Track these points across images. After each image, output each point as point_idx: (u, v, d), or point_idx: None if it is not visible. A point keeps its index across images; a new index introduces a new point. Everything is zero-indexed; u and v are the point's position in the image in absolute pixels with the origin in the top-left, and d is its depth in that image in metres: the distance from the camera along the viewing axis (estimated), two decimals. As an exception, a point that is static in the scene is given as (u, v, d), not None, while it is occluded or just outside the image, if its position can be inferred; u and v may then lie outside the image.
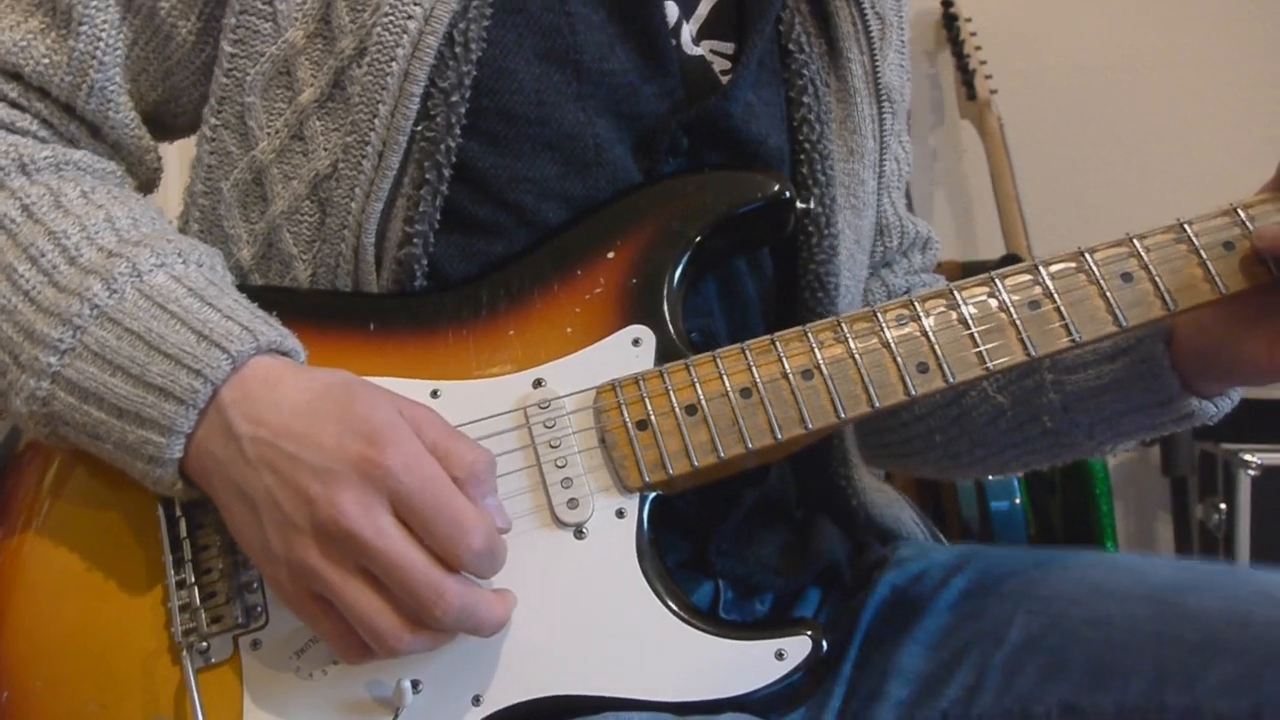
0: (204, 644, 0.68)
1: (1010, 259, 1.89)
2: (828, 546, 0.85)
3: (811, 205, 0.83)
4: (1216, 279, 0.74)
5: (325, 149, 0.75)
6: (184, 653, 0.67)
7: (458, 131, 0.74)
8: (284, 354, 0.68)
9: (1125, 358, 0.79)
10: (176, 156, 0.89)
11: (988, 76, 2.02)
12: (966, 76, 2.04)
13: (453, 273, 0.76)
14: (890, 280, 0.95)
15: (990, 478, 1.84)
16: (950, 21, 2.07)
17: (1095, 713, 0.73)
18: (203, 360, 0.65)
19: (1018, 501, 1.83)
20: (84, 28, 0.75)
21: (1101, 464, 1.86)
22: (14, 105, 0.77)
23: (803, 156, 0.84)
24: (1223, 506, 1.84)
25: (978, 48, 2.05)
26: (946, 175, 2.22)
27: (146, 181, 0.83)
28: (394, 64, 0.73)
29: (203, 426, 0.65)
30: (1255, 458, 1.82)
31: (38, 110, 0.77)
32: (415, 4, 0.73)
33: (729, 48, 0.83)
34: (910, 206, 2.04)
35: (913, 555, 0.87)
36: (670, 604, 0.69)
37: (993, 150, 1.98)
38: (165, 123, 0.83)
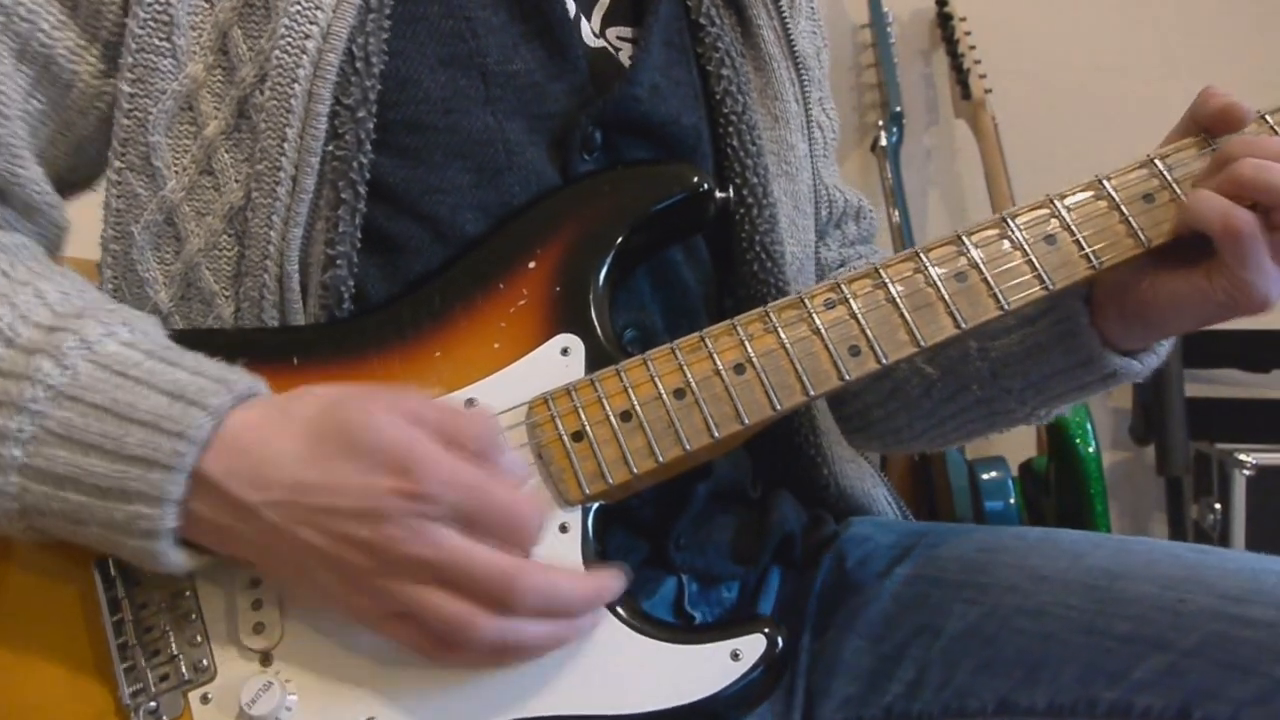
0: (153, 703, 0.66)
1: None
2: (783, 520, 0.85)
3: (730, 193, 0.83)
4: (1140, 233, 0.73)
5: (236, 180, 0.73)
6: (133, 715, 0.66)
7: (368, 147, 0.72)
8: (256, 400, 0.65)
9: (1045, 319, 0.79)
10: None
11: (982, 76, 2.02)
12: (961, 76, 2.03)
13: (377, 294, 0.75)
14: (823, 254, 0.94)
15: (973, 469, 1.85)
16: (945, 21, 2.07)
17: (1028, 708, 0.73)
18: (182, 421, 0.61)
19: (1012, 501, 1.84)
20: None
21: (1096, 463, 1.87)
22: None
23: (730, 130, 0.83)
24: (1218, 506, 1.85)
25: (972, 47, 2.05)
26: (941, 175, 2.23)
27: (54, 241, 0.80)
28: (296, 85, 0.71)
29: (196, 498, 0.62)
30: (1250, 458, 1.82)
31: None
32: (311, 23, 0.71)
33: (631, 32, 0.82)
34: (905, 205, 2.05)
35: (861, 536, 0.87)
36: (622, 614, 0.68)
37: (987, 150, 1.98)
38: (69, 179, 0.80)
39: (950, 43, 2.06)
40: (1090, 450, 1.86)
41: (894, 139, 2.05)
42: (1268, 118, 0.76)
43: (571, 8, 0.80)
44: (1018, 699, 0.73)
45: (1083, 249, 0.73)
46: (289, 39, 0.71)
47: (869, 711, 0.77)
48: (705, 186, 0.78)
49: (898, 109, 2.05)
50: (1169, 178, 0.74)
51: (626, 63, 0.81)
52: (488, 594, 0.61)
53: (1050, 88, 2.16)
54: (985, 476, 1.85)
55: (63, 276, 0.72)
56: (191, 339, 0.75)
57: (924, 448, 0.97)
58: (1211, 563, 0.74)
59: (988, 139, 1.98)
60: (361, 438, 0.61)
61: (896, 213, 1.99)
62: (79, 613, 0.68)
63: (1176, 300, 0.73)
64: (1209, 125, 0.74)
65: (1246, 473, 1.82)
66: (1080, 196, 0.74)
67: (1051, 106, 2.14)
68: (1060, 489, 1.92)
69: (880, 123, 2.05)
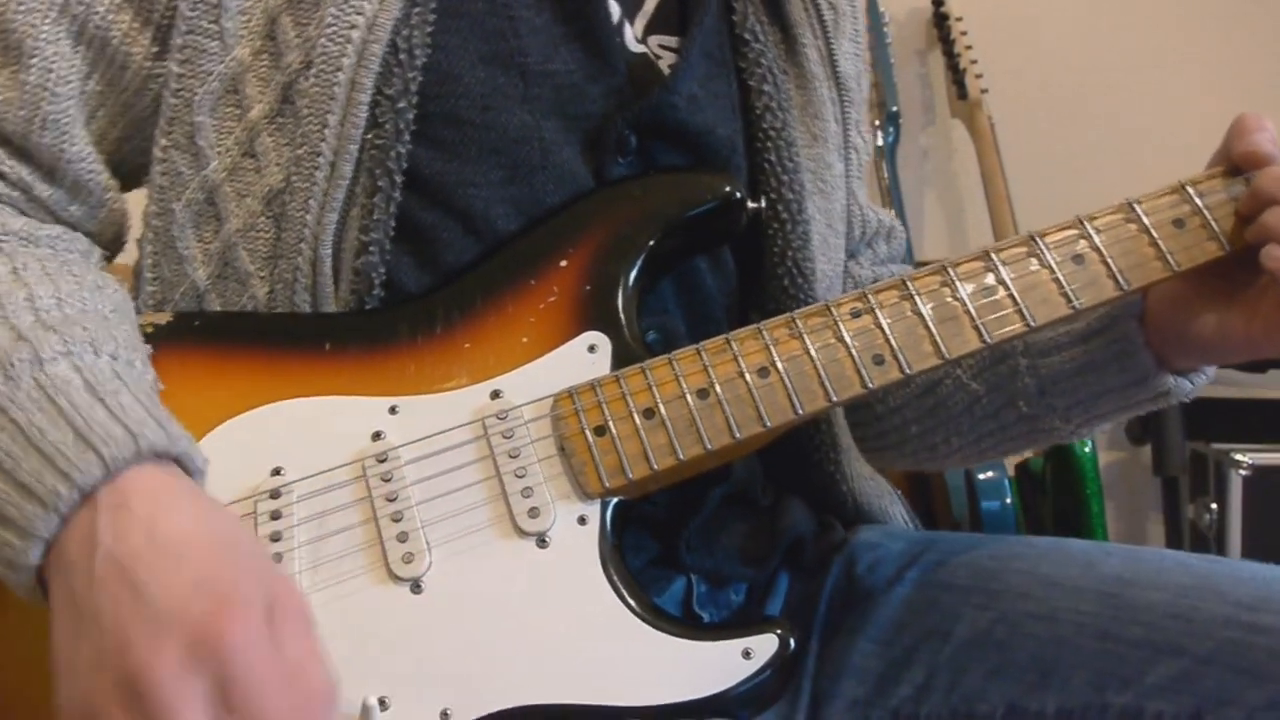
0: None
1: None
2: (794, 524, 0.85)
3: (763, 203, 0.84)
4: (1168, 256, 0.74)
5: (277, 164, 0.75)
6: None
7: (406, 138, 0.74)
8: (175, 458, 0.63)
9: (1099, 338, 0.79)
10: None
11: (979, 76, 2.03)
12: (957, 76, 2.04)
13: (408, 282, 0.76)
14: (856, 271, 0.95)
15: (970, 469, 1.84)
16: (941, 21, 2.08)
17: (1038, 713, 0.73)
18: (74, 463, 0.59)
19: (1008, 501, 1.83)
20: (34, 60, 0.74)
21: (1092, 463, 1.86)
22: None
23: (769, 144, 0.84)
24: (1214, 506, 1.84)
25: (968, 47, 2.05)
26: (937, 175, 2.23)
27: (111, 232, 0.81)
28: (340, 74, 0.73)
29: (70, 541, 0.59)
30: (1247, 458, 1.81)
31: None
32: (358, 13, 0.73)
33: (674, 41, 0.84)
34: (900, 205, 2.05)
35: (871, 541, 0.87)
36: (635, 608, 0.68)
37: (984, 150, 1.98)
38: (132, 163, 0.81)
39: (946, 42, 2.06)
40: (1086, 450, 1.85)
41: (890, 139, 2.05)
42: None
43: (615, 12, 0.81)
44: (1028, 703, 0.73)
45: (1110, 270, 0.73)
46: (335, 28, 0.73)
47: (875, 714, 0.77)
48: (738, 195, 0.79)
49: (894, 109, 2.05)
50: (1200, 204, 0.75)
51: (666, 71, 0.83)
52: None
53: (1047, 88, 2.15)
54: (981, 476, 1.83)
55: (72, 280, 0.71)
56: (229, 322, 0.78)
57: (955, 465, 0.97)
58: (1222, 571, 0.74)
59: (984, 139, 1.98)
60: (225, 571, 0.57)
61: (893, 213, 2.00)
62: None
63: (1229, 331, 0.74)
64: (1239, 163, 0.75)
65: (1243, 473, 1.81)
66: (1110, 218, 0.75)
67: (1048, 106, 2.14)
68: (1057, 489, 1.91)
69: (876, 123, 2.05)
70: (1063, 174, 2.11)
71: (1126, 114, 2.14)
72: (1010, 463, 1.95)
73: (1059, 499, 1.90)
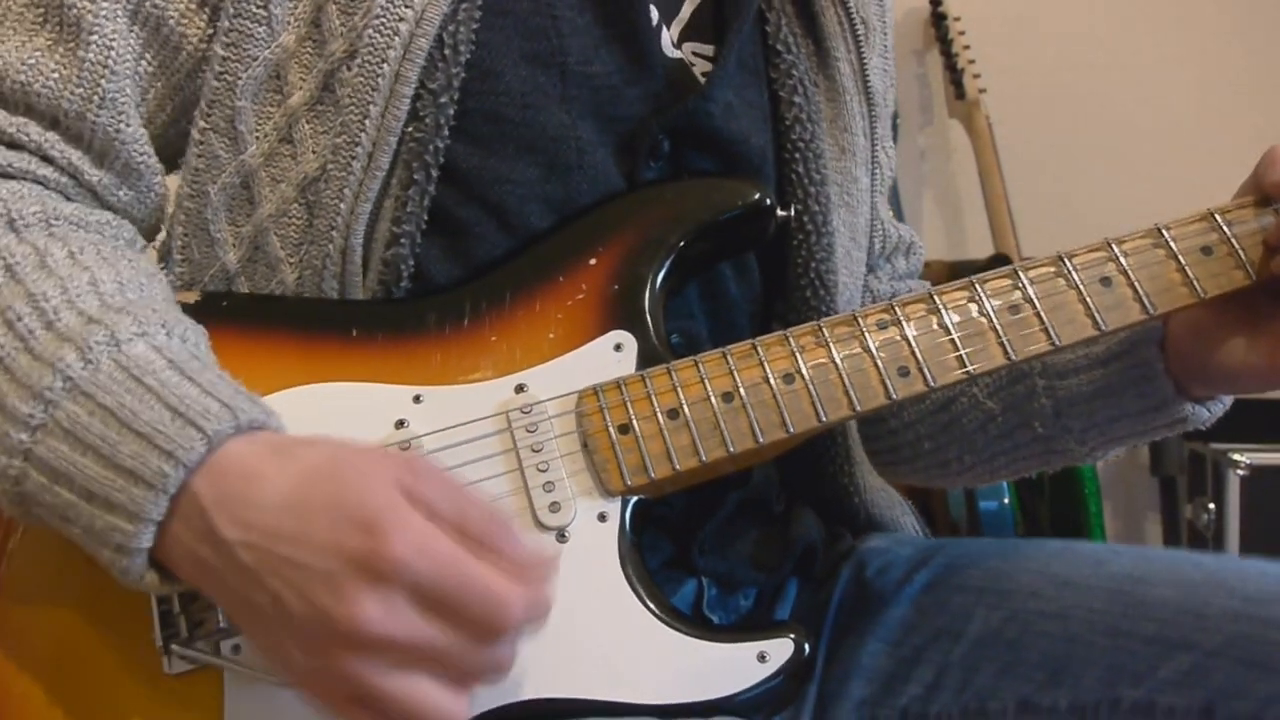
0: (185, 650, 0.67)
1: (999, 259, 1.89)
2: (805, 532, 0.86)
3: (792, 212, 0.84)
4: (1195, 283, 0.74)
5: (314, 151, 0.75)
6: (164, 658, 0.67)
7: (445, 133, 0.74)
8: (264, 432, 0.63)
9: (1118, 362, 0.80)
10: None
11: (976, 76, 2.03)
12: (955, 76, 2.04)
13: (437, 275, 0.77)
14: (874, 286, 0.96)
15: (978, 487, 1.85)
16: (939, 21, 2.07)
17: (1051, 709, 0.74)
18: (175, 440, 0.59)
19: (1006, 502, 1.83)
20: (94, 37, 0.74)
21: (1090, 464, 1.87)
22: (11, 145, 0.74)
23: (797, 156, 0.85)
24: (1212, 506, 1.85)
25: (966, 47, 2.05)
26: (935, 175, 2.23)
27: (154, 218, 0.81)
28: (385, 65, 0.73)
29: (178, 521, 0.60)
30: (1244, 457, 1.82)
31: (37, 145, 0.74)
32: (407, 6, 0.73)
33: (709, 49, 0.84)
34: (898, 205, 2.05)
35: (880, 547, 0.87)
36: (652, 606, 0.69)
37: (981, 150, 1.98)
38: (175, 147, 0.81)
39: (944, 42, 2.06)
40: None
41: None
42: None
43: (654, 16, 0.82)
44: (1039, 700, 0.73)
45: (1137, 293, 0.74)
46: (383, 19, 0.73)
47: (883, 713, 0.78)
48: (768, 202, 0.80)
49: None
50: (1228, 233, 0.75)
51: (700, 78, 0.83)
52: (455, 677, 0.58)
53: (1044, 88, 2.15)
54: (979, 485, 1.84)
55: (129, 265, 0.71)
56: (256, 305, 0.78)
57: (967, 483, 0.98)
58: (1231, 567, 0.75)
59: (982, 139, 1.98)
60: (347, 495, 0.58)
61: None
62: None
63: (1250, 363, 0.75)
64: (1271, 194, 0.75)
65: (1241, 473, 1.81)
66: (1138, 243, 0.75)
67: (1046, 106, 2.14)
68: (1055, 489, 1.91)
69: None
70: (1060, 174, 2.12)
71: (1124, 114, 2.14)
72: (1008, 463, 1.96)
73: (1057, 499, 1.90)
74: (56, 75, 0.74)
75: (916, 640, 0.79)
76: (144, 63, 0.77)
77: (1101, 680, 0.72)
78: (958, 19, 2.07)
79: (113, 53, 0.74)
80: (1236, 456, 1.82)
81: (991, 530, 1.80)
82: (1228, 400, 0.82)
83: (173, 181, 0.83)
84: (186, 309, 0.75)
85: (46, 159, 0.75)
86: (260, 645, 0.62)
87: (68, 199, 0.76)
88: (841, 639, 0.83)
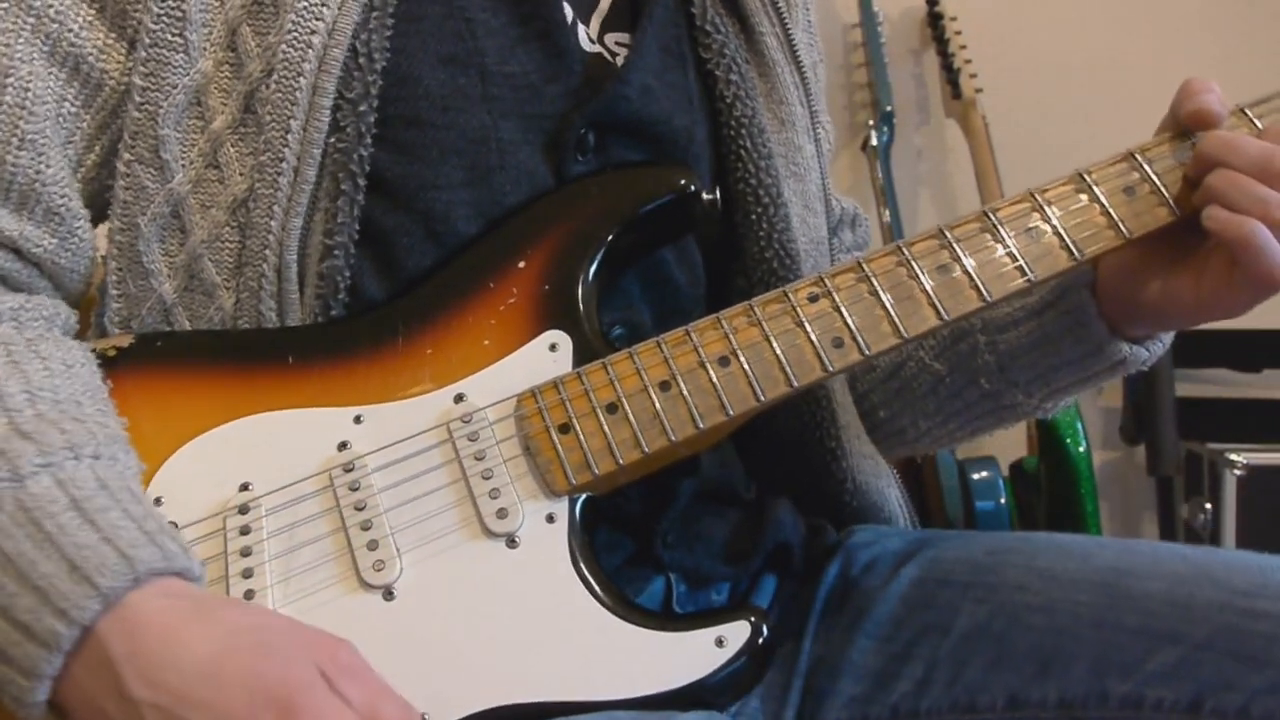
0: None
1: None
2: (779, 530, 0.85)
3: (717, 194, 0.84)
4: (1120, 224, 0.74)
5: (241, 173, 0.75)
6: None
7: (368, 140, 0.74)
8: (174, 578, 0.61)
9: (1051, 310, 0.80)
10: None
11: (973, 75, 2.03)
12: (951, 75, 2.04)
13: (371, 287, 0.77)
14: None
15: (964, 468, 1.85)
16: (935, 20, 2.07)
17: (1039, 702, 0.73)
18: (69, 598, 0.58)
19: (1003, 501, 1.83)
20: (9, 79, 0.74)
21: (1087, 463, 1.86)
22: None
23: (742, 132, 0.85)
24: (1208, 506, 1.83)
25: (963, 46, 2.05)
26: (931, 174, 2.23)
27: (81, 259, 0.79)
28: (302, 79, 0.73)
29: (83, 673, 0.58)
30: (1241, 457, 1.81)
31: None
32: (318, 19, 0.74)
33: (627, 38, 0.84)
34: (895, 205, 2.05)
35: (865, 542, 0.87)
36: (607, 602, 0.69)
37: (978, 149, 1.98)
38: (106, 195, 0.80)
39: (941, 42, 2.06)
40: (1081, 450, 1.85)
41: (885, 138, 2.05)
42: (1247, 111, 0.77)
43: (569, 13, 0.82)
44: (1029, 694, 0.73)
45: (1064, 241, 0.74)
46: (296, 34, 0.73)
47: (875, 710, 0.77)
48: (693, 188, 0.80)
49: (888, 108, 2.05)
50: (1149, 170, 0.75)
51: (621, 67, 0.83)
52: None
53: (1041, 87, 2.15)
54: (976, 476, 1.84)
55: (41, 367, 0.69)
56: (191, 341, 0.78)
57: (926, 448, 0.97)
58: (1218, 560, 0.74)
59: (978, 138, 1.98)
60: (268, 671, 0.57)
61: (887, 212, 1.99)
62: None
63: (1179, 294, 0.75)
64: (1188, 123, 0.75)
65: (1237, 472, 1.80)
66: (1061, 189, 0.75)
67: (1042, 106, 2.14)
68: (1051, 489, 1.91)
69: (871, 122, 2.05)
70: (1057, 173, 2.11)
71: (1121, 113, 2.11)
72: (1005, 462, 1.96)
73: (1053, 499, 1.90)
74: None
75: (906, 636, 0.79)
76: (66, 104, 0.77)
77: (1090, 673, 0.72)
78: (954, 19, 2.06)
79: (29, 94, 0.74)
80: (1233, 456, 1.81)
81: (987, 529, 1.79)
82: (1166, 339, 0.82)
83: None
84: (121, 353, 0.75)
85: None
86: None
87: None
88: (830, 636, 0.82)
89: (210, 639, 0.58)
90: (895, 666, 0.78)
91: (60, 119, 0.76)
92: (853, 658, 0.80)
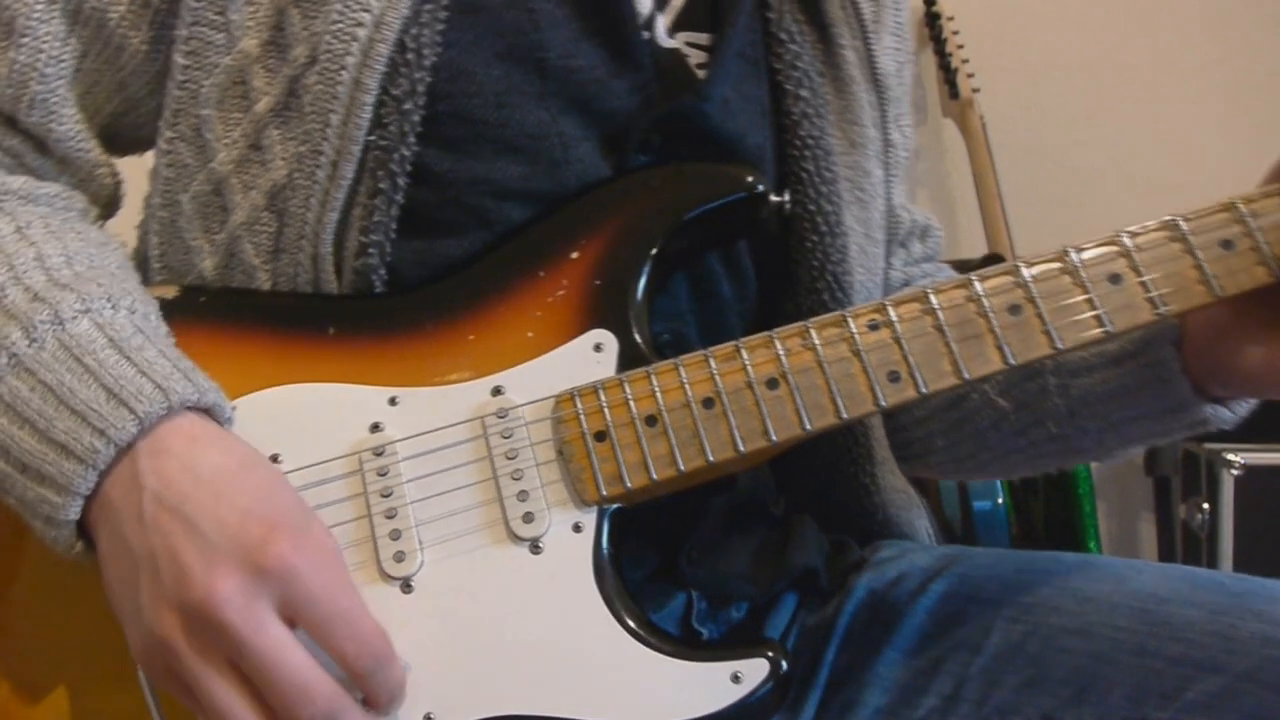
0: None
1: (993, 258, 1.86)
2: (805, 552, 0.83)
3: (787, 198, 0.80)
4: (1212, 280, 0.69)
5: (282, 159, 0.73)
6: (140, 672, 0.67)
7: (412, 139, 0.71)
8: (205, 409, 0.65)
9: (1132, 362, 0.76)
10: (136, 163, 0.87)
11: (970, 75, 1.99)
12: (949, 75, 2.01)
13: (414, 278, 0.74)
14: (888, 274, 0.91)
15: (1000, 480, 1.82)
16: (933, 20, 2.04)
17: None
18: (108, 420, 0.61)
19: (1000, 501, 1.80)
20: (25, 39, 0.73)
21: (1084, 464, 1.82)
22: None
23: (806, 154, 0.81)
24: (1206, 507, 1.79)
25: (960, 46, 2.02)
26: (929, 174, 2.20)
27: (105, 197, 0.81)
28: (344, 73, 0.70)
29: (114, 488, 0.62)
30: (1239, 457, 1.76)
31: None
32: (364, 10, 0.70)
33: (705, 39, 0.79)
34: None
35: (892, 557, 0.85)
36: (627, 622, 0.67)
37: (975, 149, 1.95)
38: (126, 135, 0.81)
39: (938, 42, 2.03)
40: None
41: None
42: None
43: (645, 6, 0.77)
44: (1063, 716, 0.72)
45: (1148, 292, 0.69)
46: (341, 25, 0.70)
47: None
48: (760, 189, 0.76)
49: None
50: (1252, 225, 0.70)
51: (695, 70, 0.79)
52: (279, 698, 0.58)
53: (1038, 87, 2.12)
54: (1000, 480, 1.81)
55: (76, 236, 0.72)
56: (234, 300, 0.77)
57: (987, 477, 0.94)
58: (1257, 590, 0.72)
59: (975, 138, 1.96)
60: (274, 495, 0.60)
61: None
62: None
63: (1270, 367, 0.70)
64: None
65: (1235, 473, 1.76)
66: (1152, 236, 0.70)
67: (1039, 106, 2.11)
68: (1048, 489, 1.88)
69: None
70: (1054, 173, 2.10)
71: (1118, 113, 2.11)
72: (1002, 462, 1.94)
73: (1051, 499, 1.88)
74: None
75: (934, 652, 0.78)
76: (88, 60, 0.76)
77: (1128, 699, 0.70)
78: (951, 18, 2.03)
79: (43, 55, 0.73)
80: (1231, 456, 1.76)
81: (985, 529, 1.78)
82: (1252, 400, 0.77)
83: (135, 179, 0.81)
84: (164, 305, 0.74)
85: None
86: (116, 604, 0.62)
87: (17, 172, 0.76)
88: (855, 647, 0.81)
89: (227, 458, 0.62)
90: (923, 681, 0.77)
91: (79, 74, 0.76)
92: (879, 670, 0.78)
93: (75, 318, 0.65)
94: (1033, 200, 2.02)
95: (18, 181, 0.74)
